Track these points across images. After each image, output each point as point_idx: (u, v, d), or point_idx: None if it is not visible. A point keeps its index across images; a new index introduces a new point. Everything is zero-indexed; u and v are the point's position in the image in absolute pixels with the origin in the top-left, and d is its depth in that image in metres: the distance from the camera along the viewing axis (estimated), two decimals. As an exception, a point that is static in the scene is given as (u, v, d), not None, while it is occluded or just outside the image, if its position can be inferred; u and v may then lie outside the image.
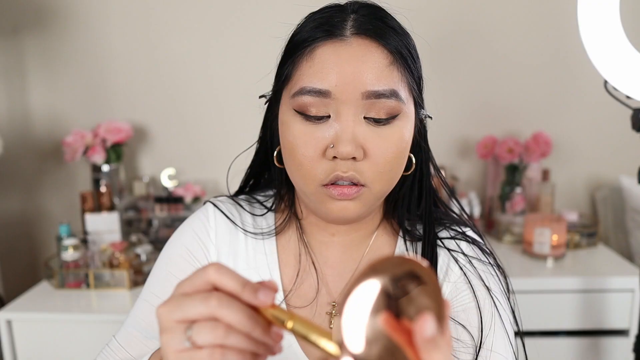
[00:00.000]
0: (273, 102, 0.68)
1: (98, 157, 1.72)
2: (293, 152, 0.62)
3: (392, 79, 0.61)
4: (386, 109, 0.60)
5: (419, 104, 0.66)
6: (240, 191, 0.79)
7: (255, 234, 0.72)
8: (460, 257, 0.70)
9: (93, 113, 1.89)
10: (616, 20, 0.99)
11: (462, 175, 1.93)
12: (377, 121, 0.61)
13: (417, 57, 0.65)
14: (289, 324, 0.40)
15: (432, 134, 0.71)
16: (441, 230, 0.73)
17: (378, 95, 0.59)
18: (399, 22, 0.64)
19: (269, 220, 0.74)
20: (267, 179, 0.78)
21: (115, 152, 1.77)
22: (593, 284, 1.47)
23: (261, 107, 0.71)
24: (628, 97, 1.05)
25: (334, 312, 0.68)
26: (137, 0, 1.83)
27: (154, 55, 1.87)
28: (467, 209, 1.72)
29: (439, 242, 0.71)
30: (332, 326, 0.68)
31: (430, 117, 0.68)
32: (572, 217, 1.75)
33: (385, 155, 0.61)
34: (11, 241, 1.97)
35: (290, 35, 0.65)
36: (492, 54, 1.86)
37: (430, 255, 0.69)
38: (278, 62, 0.66)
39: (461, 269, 0.69)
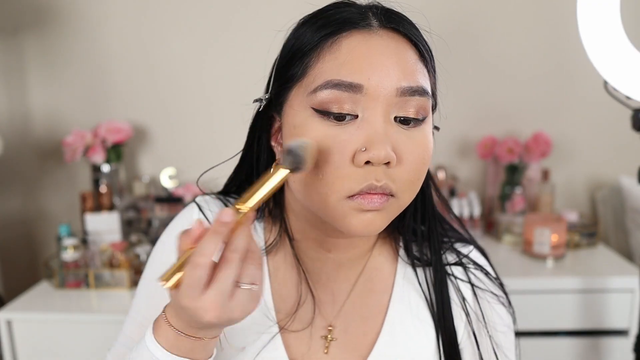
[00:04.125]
0: (267, 108, 0.62)
1: (98, 157, 1.72)
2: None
3: (422, 75, 0.55)
4: (417, 109, 0.54)
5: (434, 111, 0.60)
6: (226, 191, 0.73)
7: None
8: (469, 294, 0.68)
9: (93, 113, 1.89)
10: (616, 20, 0.99)
11: (462, 175, 1.93)
12: (406, 122, 0.54)
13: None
14: (243, 208, 0.49)
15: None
16: (444, 251, 0.69)
17: (412, 92, 0.53)
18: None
19: (259, 233, 0.68)
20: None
21: (115, 152, 1.77)
22: (593, 284, 1.47)
23: (250, 114, 0.66)
24: (628, 98, 1.05)
25: (329, 336, 0.65)
26: (137, 0, 1.83)
27: (154, 55, 1.87)
28: (467, 209, 1.72)
29: (448, 270, 0.68)
30: (326, 352, 0.64)
31: (437, 128, 0.63)
32: (572, 217, 1.75)
33: (417, 161, 0.55)
34: (11, 241, 1.96)
35: (288, 39, 0.58)
36: (492, 54, 1.86)
37: (439, 283, 0.66)
38: (275, 66, 0.60)
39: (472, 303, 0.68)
